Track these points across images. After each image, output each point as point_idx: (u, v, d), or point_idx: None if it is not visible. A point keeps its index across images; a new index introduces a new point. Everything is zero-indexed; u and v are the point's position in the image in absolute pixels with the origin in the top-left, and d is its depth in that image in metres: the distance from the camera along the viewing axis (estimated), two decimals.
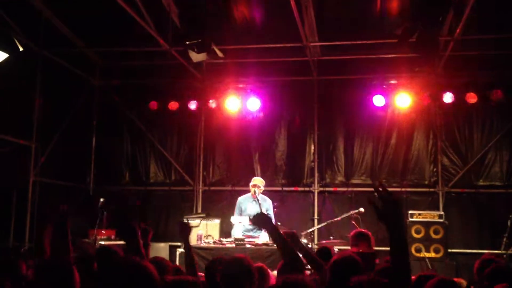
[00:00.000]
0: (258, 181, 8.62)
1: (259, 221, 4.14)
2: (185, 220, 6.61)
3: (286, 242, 3.88)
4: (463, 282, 4.91)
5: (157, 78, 10.78)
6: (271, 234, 4.09)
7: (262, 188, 8.51)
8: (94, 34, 9.52)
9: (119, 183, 11.05)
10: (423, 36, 7.79)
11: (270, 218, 3.99)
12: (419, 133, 10.41)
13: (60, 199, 8.77)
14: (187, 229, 4.47)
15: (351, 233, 6.36)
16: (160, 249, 9.45)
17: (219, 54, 8.55)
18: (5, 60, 7.38)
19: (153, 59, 10.33)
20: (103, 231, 8.92)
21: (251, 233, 8.48)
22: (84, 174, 10.88)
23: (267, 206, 8.40)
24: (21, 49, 7.40)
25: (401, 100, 9.99)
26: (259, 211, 8.39)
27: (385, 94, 10.03)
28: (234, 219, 8.55)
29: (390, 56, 9.67)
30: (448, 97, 9.83)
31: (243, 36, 9.20)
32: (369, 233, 6.29)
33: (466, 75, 9.85)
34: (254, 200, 8.47)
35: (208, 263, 4.24)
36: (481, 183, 10.09)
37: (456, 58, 9.55)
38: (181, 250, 9.13)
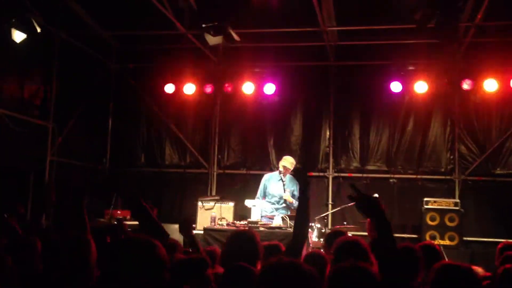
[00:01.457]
0: (286, 160, 8.53)
1: (364, 205, 3.28)
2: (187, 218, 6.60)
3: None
4: (479, 270, 4.89)
5: (173, 61, 10.78)
6: (377, 221, 3.15)
7: (290, 168, 8.47)
8: (111, 16, 9.53)
9: (134, 164, 11.14)
10: (442, 22, 7.68)
11: (378, 202, 3.26)
12: (436, 120, 10.31)
13: (76, 178, 8.90)
14: (188, 225, 4.46)
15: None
16: (175, 231, 9.47)
17: (236, 37, 8.50)
18: (24, 41, 7.46)
19: (170, 43, 10.32)
20: (118, 212, 9.03)
21: (269, 213, 8.46)
22: (100, 155, 10.98)
23: (295, 187, 8.29)
24: (39, 30, 7.47)
25: (419, 87, 9.90)
26: (282, 191, 8.40)
27: (402, 80, 9.94)
28: (248, 202, 8.57)
29: (408, 42, 9.56)
30: (466, 84, 9.72)
31: (259, 20, 9.14)
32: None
33: (485, 62, 9.69)
34: (280, 179, 8.45)
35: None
36: (498, 171, 9.98)
37: (476, 44, 9.43)
38: (195, 231, 9.20)
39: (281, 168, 8.43)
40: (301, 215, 3.88)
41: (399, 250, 3.09)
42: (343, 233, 5.24)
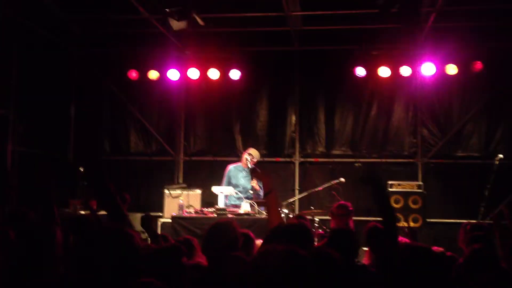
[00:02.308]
0: (253, 151, 8.63)
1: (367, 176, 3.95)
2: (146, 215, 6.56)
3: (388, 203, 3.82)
4: (440, 250, 5.02)
5: (137, 47, 10.60)
6: (376, 193, 3.88)
7: (255, 160, 8.53)
8: (73, 1, 9.30)
9: (99, 152, 10.94)
10: (405, 7, 7.76)
11: (378, 175, 3.74)
12: (399, 105, 10.47)
13: (42, 167, 8.72)
14: (150, 221, 4.46)
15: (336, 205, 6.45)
16: (139, 219, 9.43)
17: (200, 22, 8.43)
18: None
19: (133, 27, 10.13)
20: (82, 201, 8.88)
21: (234, 203, 8.51)
22: (63, 144, 10.76)
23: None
24: None
25: (382, 71, 10.01)
26: (250, 181, 8.44)
27: (366, 65, 10.02)
28: (215, 189, 8.56)
29: (371, 27, 9.63)
30: (428, 69, 9.87)
31: (224, 5, 9.07)
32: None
33: (447, 47, 9.85)
34: (245, 169, 8.48)
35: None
36: (459, 154, 10.23)
37: (437, 29, 9.56)
38: (162, 220, 9.18)
39: (247, 157, 8.45)
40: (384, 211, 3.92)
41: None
42: (304, 218, 5.29)
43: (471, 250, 3.54)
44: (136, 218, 8.73)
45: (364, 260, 5.24)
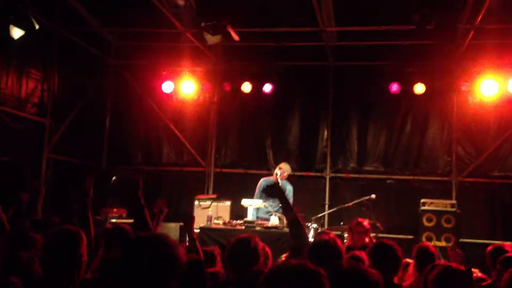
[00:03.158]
0: (284, 165, 8.61)
1: (274, 190, 4.24)
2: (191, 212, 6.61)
3: (294, 219, 3.94)
4: (475, 271, 4.90)
5: (172, 59, 10.76)
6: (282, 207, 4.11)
7: (286, 174, 8.50)
8: (110, 13, 9.50)
9: (131, 162, 11.10)
10: (441, 23, 7.68)
11: (283, 191, 4.05)
12: (434, 122, 10.32)
13: (76, 177, 8.88)
14: (190, 221, 4.48)
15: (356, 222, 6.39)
16: (171, 229, 9.50)
17: (234, 37, 8.49)
18: (22, 38, 7.44)
19: (169, 41, 10.29)
20: (114, 209, 9.01)
21: (264, 216, 8.48)
22: (97, 153, 10.96)
23: (287, 191, 8.31)
24: (37, 27, 7.45)
25: (417, 88, 9.89)
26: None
27: (401, 81, 9.93)
28: (245, 201, 8.57)
29: (407, 43, 9.55)
30: (464, 86, 9.72)
31: (259, 20, 9.13)
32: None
33: (484, 64, 9.68)
34: (275, 183, 8.44)
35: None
36: (495, 173, 9.99)
37: (474, 46, 9.41)
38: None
39: (277, 171, 8.43)
40: (292, 225, 4.00)
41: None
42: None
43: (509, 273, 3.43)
44: (166, 228, 8.85)
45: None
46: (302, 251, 3.93)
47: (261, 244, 3.71)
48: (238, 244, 3.66)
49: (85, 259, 3.07)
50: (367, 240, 6.27)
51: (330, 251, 3.51)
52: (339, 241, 3.71)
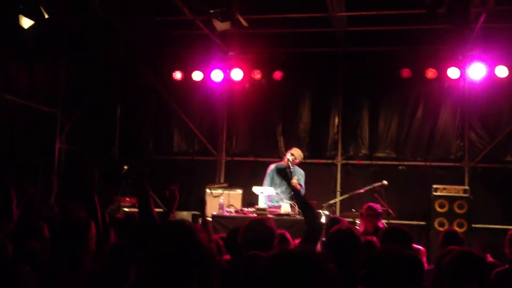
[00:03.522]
0: (296, 151, 8.53)
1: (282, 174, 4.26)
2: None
3: (305, 201, 3.96)
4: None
5: (182, 47, 10.74)
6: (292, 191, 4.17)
7: (297, 160, 8.45)
8: (118, 2, 9.47)
9: (143, 151, 11.13)
10: (453, 7, 7.58)
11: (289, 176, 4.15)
12: (446, 107, 10.23)
13: (87, 166, 8.90)
14: (203, 205, 4.52)
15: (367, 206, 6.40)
16: (183, 218, 9.55)
17: (244, 23, 8.47)
18: (32, 28, 7.45)
19: (178, 29, 10.25)
20: (127, 198, 9.06)
21: (276, 204, 8.46)
22: (109, 143, 11.00)
23: (299, 177, 8.29)
24: (46, 16, 7.45)
25: (429, 73, 9.81)
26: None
27: (412, 66, 9.85)
28: (256, 189, 8.55)
29: (418, 27, 9.45)
30: (477, 71, 9.62)
31: (268, 6, 9.07)
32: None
33: (496, 48, 9.57)
34: (287, 168, 8.41)
35: (231, 230, 4.33)
36: (508, 158, 9.91)
37: (487, 29, 9.29)
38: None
39: (289, 157, 8.36)
40: (302, 208, 4.01)
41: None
42: (340, 221, 5.25)
43: None
44: (178, 216, 8.87)
45: None
46: (316, 236, 3.93)
47: (275, 227, 3.75)
48: (254, 224, 3.69)
49: (93, 247, 3.07)
50: (380, 225, 6.26)
51: (351, 241, 3.52)
52: (357, 231, 3.73)
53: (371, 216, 6.22)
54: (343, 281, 3.02)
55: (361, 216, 6.36)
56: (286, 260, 1.92)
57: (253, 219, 3.84)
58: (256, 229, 3.64)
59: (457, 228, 9.05)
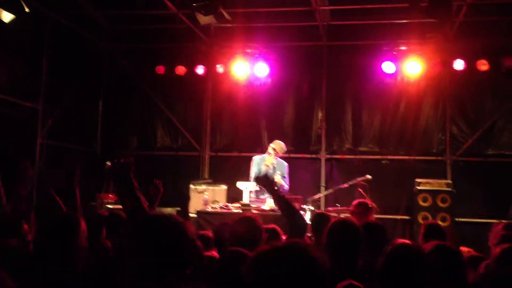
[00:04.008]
0: (277, 144, 8.48)
1: (262, 180, 4.51)
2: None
3: (286, 204, 3.98)
4: (465, 250, 4.91)
5: (165, 42, 10.66)
6: (271, 195, 4.61)
7: (280, 154, 8.42)
8: None
9: (126, 147, 11.03)
10: (435, 0, 7.63)
11: (272, 181, 4.23)
12: (428, 101, 10.29)
13: (69, 161, 8.83)
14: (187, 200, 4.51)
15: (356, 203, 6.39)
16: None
17: (227, 17, 8.41)
18: (13, 22, 7.32)
19: (161, 23, 10.17)
20: (110, 195, 8.97)
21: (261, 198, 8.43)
22: (91, 138, 10.89)
23: (283, 170, 8.28)
24: (27, 10, 7.33)
25: (411, 67, 9.86)
26: (273, 173, 8.38)
27: (395, 60, 9.89)
28: (240, 184, 8.52)
29: (401, 21, 9.49)
30: (459, 64, 9.70)
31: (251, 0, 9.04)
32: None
33: (478, 42, 9.65)
34: (265, 173, 8.38)
35: (219, 224, 4.33)
36: (490, 152, 10.00)
37: (468, 23, 9.37)
38: (191, 215, 9.20)
39: (270, 151, 8.35)
40: (285, 209, 4.02)
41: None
42: (329, 217, 5.25)
43: (500, 250, 3.44)
44: (162, 212, 8.81)
45: None
46: (301, 232, 3.93)
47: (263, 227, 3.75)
48: (243, 222, 3.69)
49: (84, 245, 3.02)
50: (371, 219, 6.25)
51: (350, 232, 3.53)
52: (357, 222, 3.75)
53: (360, 213, 6.22)
54: (341, 273, 3.02)
55: (352, 213, 6.37)
56: (275, 256, 1.89)
57: (243, 216, 3.83)
58: (244, 227, 3.64)
59: (440, 222, 9.15)
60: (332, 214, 6.92)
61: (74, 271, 2.88)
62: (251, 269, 1.89)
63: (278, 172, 8.25)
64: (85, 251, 3.06)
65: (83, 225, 3.05)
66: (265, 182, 4.55)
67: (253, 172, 8.57)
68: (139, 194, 3.20)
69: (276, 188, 4.32)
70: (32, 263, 2.93)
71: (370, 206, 6.36)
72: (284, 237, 4.56)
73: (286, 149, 8.59)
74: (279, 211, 7.55)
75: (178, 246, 2.21)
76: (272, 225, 4.59)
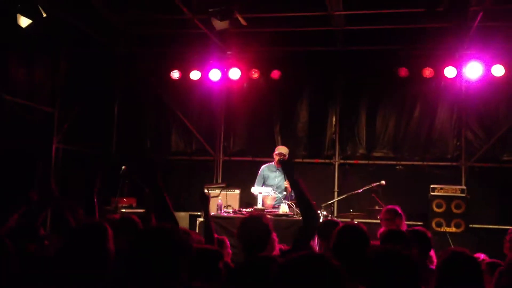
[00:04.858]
0: (282, 149, 8.54)
1: (287, 166, 4.50)
2: (205, 191, 6.65)
3: (304, 196, 4.00)
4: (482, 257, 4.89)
5: (180, 46, 10.72)
6: (291, 185, 4.53)
7: (286, 157, 8.44)
8: (118, 0, 9.45)
9: (141, 151, 11.09)
10: (451, 6, 7.60)
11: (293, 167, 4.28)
12: (443, 106, 10.24)
13: (89, 167, 8.89)
14: (206, 199, 4.54)
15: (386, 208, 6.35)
16: (181, 219, 9.54)
17: (242, 22, 8.45)
18: (30, 27, 7.42)
19: (176, 27, 10.23)
20: (124, 199, 9.03)
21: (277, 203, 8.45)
22: (106, 142, 10.97)
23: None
24: (44, 15, 7.42)
25: (426, 72, 9.82)
26: (281, 180, 8.40)
27: (409, 65, 9.86)
28: (254, 189, 8.55)
29: (416, 26, 9.45)
30: (474, 70, 9.64)
31: (267, 5, 9.05)
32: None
33: (493, 47, 9.59)
34: (278, 169, 8.42)
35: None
36: (505, 158, 9.92)
37: (484, 28, 9.30)
38: (201, 219, 9.23)
39: (279, 155, 8.39)
40: (301, 202, 4.02)
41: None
42: (337, 223, 5.23)
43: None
44: (176, 217, 8.84)
45: None
46: (310, 235, 3.94)
47: (271, 224, 3.79)
48: (250, 221, 3.71)
49: (113, 249, 3.09)
50: (402, 227, 6.18)
51: (359, 236, 3.53)
52: (365, 228, 3.76)
53: (387, 219, 6.18)
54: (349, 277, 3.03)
55: (381, 220, 6.34)
56: (301, 267, 1.95)
57: (250, 215, 3.88)
58: (252, 226, 3.68)
59: (454, 229, 9.11)
60: (345, 220, 6.90)
61: (106, 274, 2.93)
62: (280, 277, 1.96)
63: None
64: (113, 254, 3.12)
65: (110, 230, 3.11)
66: (289, 167, 4.64)
67: (258, 182, 8.61)
68: (165, 197, 3.35)
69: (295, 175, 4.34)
70: (57, 268, 2.98)
71: (399, 212, 6.31)
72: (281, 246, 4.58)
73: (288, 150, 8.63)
74: (293, 216, 7.62)
75: (171, 257, 2.43)
76: (221, 237, 4.69)
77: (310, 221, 3.94)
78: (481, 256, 4.98)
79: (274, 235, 4.42)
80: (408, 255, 2.80)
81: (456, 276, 3.00)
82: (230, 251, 4.72)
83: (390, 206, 6.52)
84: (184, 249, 2.49)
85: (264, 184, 8.68)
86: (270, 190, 8.46)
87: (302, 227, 4.00)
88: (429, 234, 4.75)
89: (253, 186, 8.70)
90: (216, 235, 4.57)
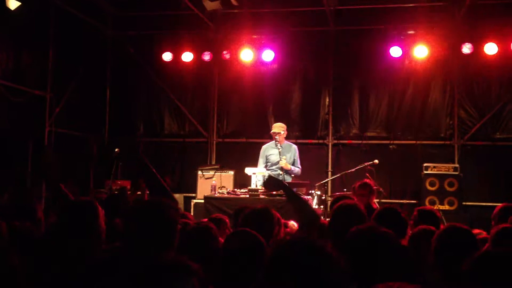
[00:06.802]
0: (276, 127, 8.44)
1: (271, 184, 4.55)
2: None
3: (301, 201, 3.99)
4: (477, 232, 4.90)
5: (171, 28, 10.65)
6: (286, 194, 4.44)
7: (283, 133, 8.38)
8: None
9: (133, 134, 11.07)
10: None
11: (280, 181, 4.37)
12: (436, 85, 10.24)
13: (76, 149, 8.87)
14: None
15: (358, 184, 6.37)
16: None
17: (234, 2, 8.39)
18: (18, 9, 7.34)
19: (167, 9, 10.15)
20: (118, 182, 9.03)
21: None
22: (99, 125, 10.93)
23: (293, 152, 8.27)
24: None
25: (418, 51, 9.80)
26: (279, 158, 8.37)
27: (402, 45, 9.83)
28: (248, 170, 8.54)
29: (408, 5, 9.42)
30: (467, 48, 9.62)
31: None
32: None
33: (486, 25, 9.57)
34: (277, 146, 8.38)
35: (237, 209, 4.42)
36: (497, 136, 9.97)
37: (477, 7, 9.28)
38: (195, 200, 9.27)
39: (276, 136, 8.35)
40: (298, 206, 4.05)
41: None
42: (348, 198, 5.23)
43: (494, 231, 3.46)
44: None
45: None
46: (312, 226, 3.94)
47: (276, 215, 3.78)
48: (255, 214, 3.72)
49: (103, 228, 3.14)
50: (373, 205, 6.21)
51: (356, 215, 3.54)
52: (362, 206, 3.77)
53: (361, 195, 6.20)
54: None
55: (353, 193, 6.34)
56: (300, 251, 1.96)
57: (259, 206, 3.88)
58: (258, 216, 3.67)
59: (447, 206, 9.18)
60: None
61: (98, 249, 2.97)
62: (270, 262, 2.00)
63: (284, 156, 8.23)
64: (104, 231, 3.17)
65: (100, 208, 3.16)
66: (275, 185, 4.66)
67: (260, 163, 8.56)
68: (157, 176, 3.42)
69: (285, 185, 4.36)
70: (52, 244, 3.03)
71: (374, 188, 6.34)
72: (291, 223, 4.59)
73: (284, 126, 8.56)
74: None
75: (162, 225, 2.55)
76: (219, 215, 4.70)
77: (308, 219, 3.96)
78: (483, 233, 4.99)
79: (281, 221, 4.43)
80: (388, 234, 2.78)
81: (454, 248, 3.03)
82: (228, 232, 4.73)
83: (365, 180, 6.53)
84: (172, 222, 2.57)
85: (267, 163, 8.60)
86: (264, 170, 8.44)
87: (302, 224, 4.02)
88: (438, 214, 4.73)
89: (247, 166, 8.67)
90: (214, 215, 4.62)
